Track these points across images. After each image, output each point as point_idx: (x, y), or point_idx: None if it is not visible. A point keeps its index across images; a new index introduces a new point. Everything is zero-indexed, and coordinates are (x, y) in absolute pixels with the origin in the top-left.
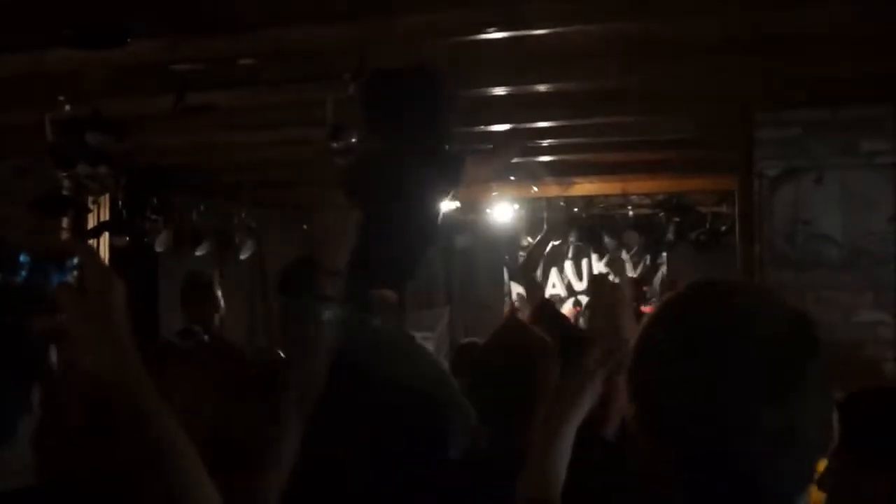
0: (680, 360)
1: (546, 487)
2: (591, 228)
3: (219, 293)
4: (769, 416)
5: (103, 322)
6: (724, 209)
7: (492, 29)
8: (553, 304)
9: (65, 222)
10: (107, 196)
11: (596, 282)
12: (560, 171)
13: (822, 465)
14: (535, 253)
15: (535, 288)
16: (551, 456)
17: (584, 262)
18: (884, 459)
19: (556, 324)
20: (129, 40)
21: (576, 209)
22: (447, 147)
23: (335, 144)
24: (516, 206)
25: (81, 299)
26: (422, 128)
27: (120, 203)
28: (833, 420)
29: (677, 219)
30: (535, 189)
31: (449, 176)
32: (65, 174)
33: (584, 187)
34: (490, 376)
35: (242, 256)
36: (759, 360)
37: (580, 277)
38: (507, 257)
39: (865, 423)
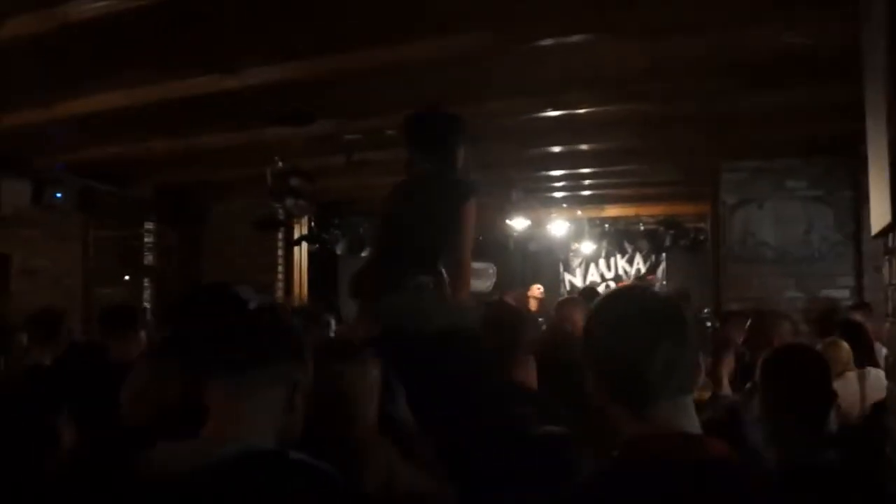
0: (608, 324)
1: None
2: (616, 237)
3: None
4: (665, 349)
5: None
6: (701, 225)
7: (548, 109)
8: None
9: (279, 236)
10: (305, 218)
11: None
12: (596, 201)
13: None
14: None
15: None
16: None
17: (612, 259)
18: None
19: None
20: (316, 120)
21: (606, 225)
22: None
23: None
24: (567, 224)
25: None
26: (447, 151)
27: (312, 223)
28: (699, 360)
29: (672, 232)
30: (580, 212)
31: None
32: (278, 205)
33: (612, 211)
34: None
35: (364, 255)
36: (654, 322)
37: (609, 269)
38: (561, 257)
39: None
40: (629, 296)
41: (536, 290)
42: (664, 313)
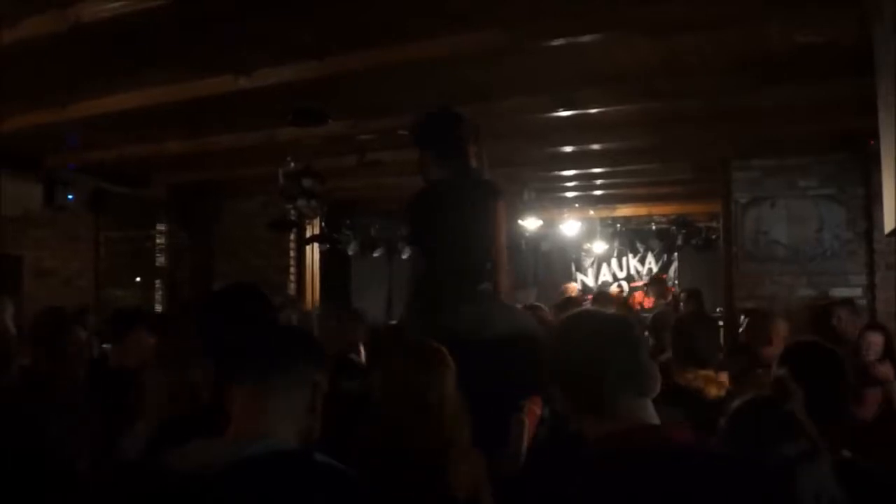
0: (569, 342)
1: None
2: (628, 237)
3: None
4: (618, 360)
5: None
6: (713, 224)
7: (560, 109)
8: None
9: (291, 237)
10: (316, 219)
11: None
12: (607, 201)
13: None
14: None
15: None
16: None
17: (624, 259)
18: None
19: None
20: (328, 120)
21: (618, 225)
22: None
23: None
24: (579, 223)
25: None
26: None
27: (323, 223)
28: (654, 368)
29: (683, 231)
30: (592, 212)
31: (489, 195)
32: (290, 206)
33: (623, 210)
34: None
35: (404, 257)
36: (608, 337)
37: (621, 269)
38: (573, 256)
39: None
40: (586, 317)
41: (573, 287)
42: (617, 330)
